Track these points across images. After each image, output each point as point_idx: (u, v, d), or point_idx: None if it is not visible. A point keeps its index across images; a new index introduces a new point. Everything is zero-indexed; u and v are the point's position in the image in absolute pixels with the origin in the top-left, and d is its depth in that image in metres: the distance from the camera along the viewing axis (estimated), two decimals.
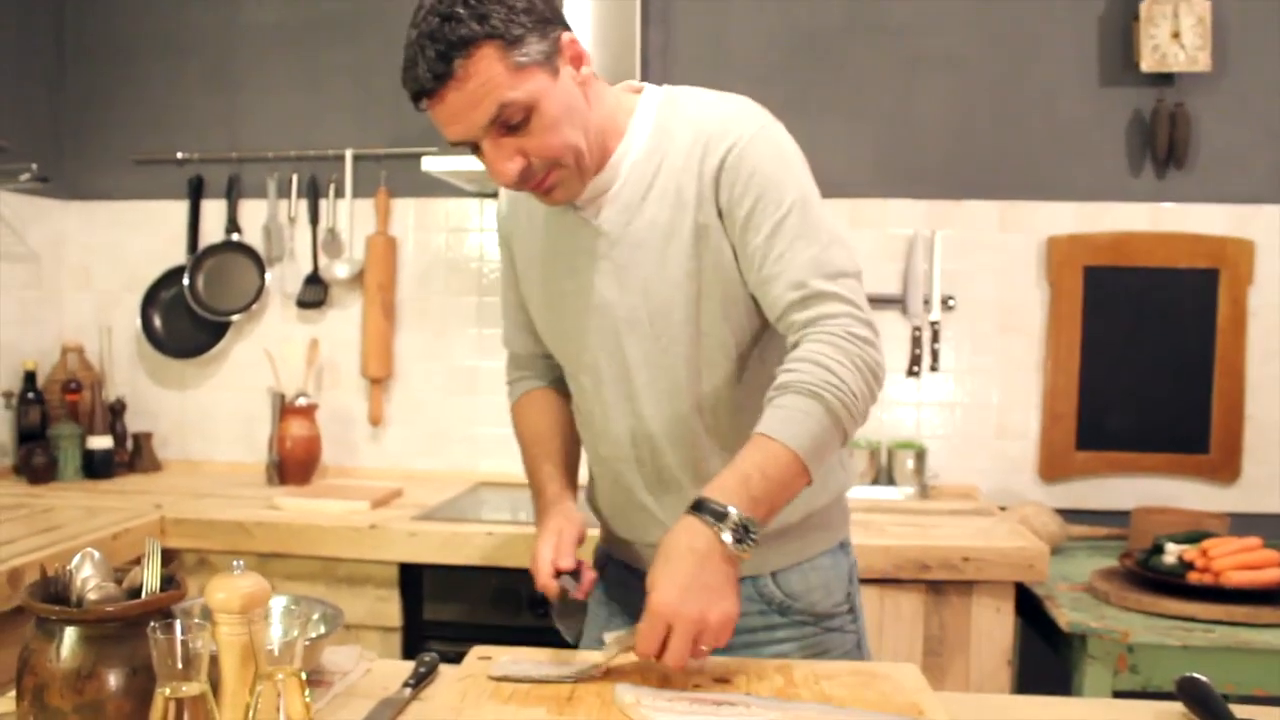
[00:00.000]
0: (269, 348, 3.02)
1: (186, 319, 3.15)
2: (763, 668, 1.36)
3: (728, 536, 1.26)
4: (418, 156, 2.91)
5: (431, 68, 1.27)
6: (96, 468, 2.96)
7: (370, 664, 1.46)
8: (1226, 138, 2.82)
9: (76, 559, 1.13)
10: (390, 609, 2.40)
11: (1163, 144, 2.79)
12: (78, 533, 2.29)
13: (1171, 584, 2.22)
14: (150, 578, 1.15)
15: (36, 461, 2.87)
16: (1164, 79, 2.80)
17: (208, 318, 3.12)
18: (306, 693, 1.08)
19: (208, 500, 2.67)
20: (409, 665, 1.45)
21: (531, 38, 1.30)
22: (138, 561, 1.21)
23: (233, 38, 3.15)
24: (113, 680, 1.08)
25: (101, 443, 2.97)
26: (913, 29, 2.92)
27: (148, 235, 3.19)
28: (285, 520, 2.46)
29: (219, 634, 1.11)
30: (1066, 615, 2.17)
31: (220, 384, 3.19)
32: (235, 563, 1.16)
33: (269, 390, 2.98)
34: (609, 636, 1.34)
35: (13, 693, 1.33)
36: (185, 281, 3.11)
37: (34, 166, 2.81)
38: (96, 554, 1.14)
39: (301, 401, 2.93)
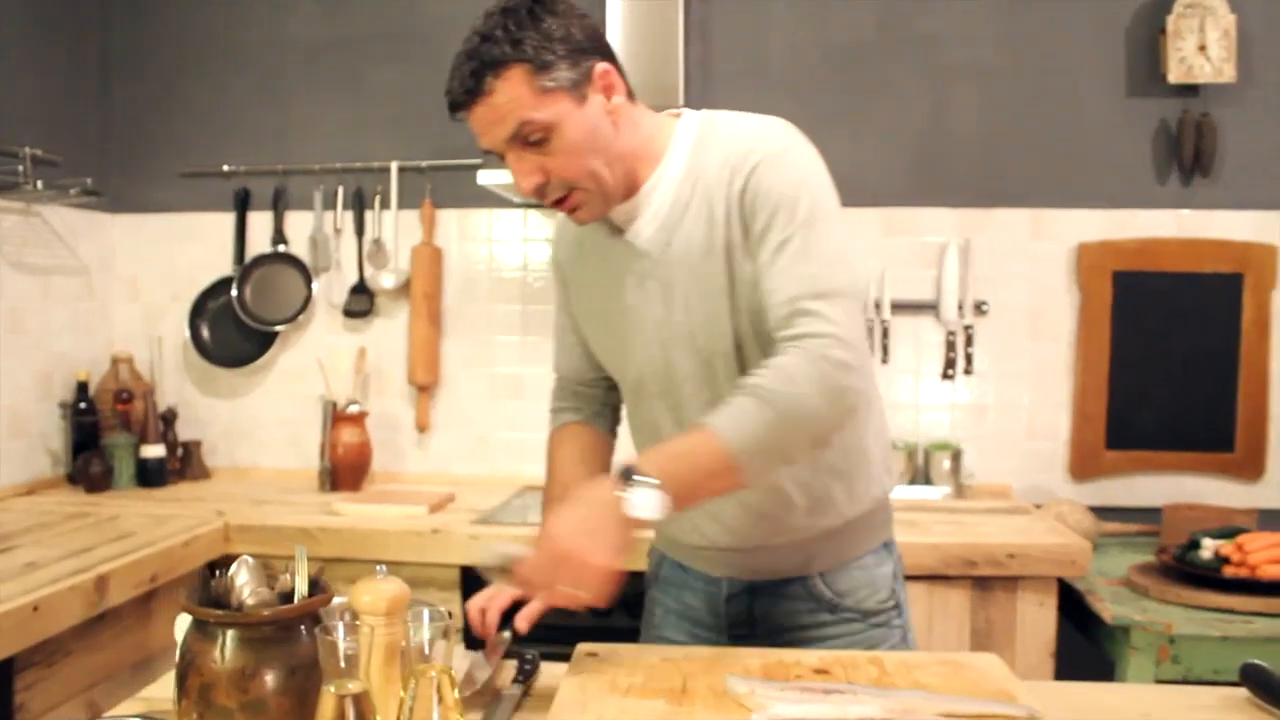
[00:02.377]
0: (319, 356, 3.10)
1: (234, 329, 3.22)
2: (855, 660, 1.44)
3: (630, 497, 1.31)
4: (461, 169, 3.00)
5: (464, 83, 1.39)
6: (150, 476, 3.03)
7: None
8: (1251, 147, 2.91)
9: (235, 565, 1.21)
10: (453, 610, 2.47)
11: (1188, 153, 2.88)
12: (151, 540, 2.36)
13: (1209, 578, 2.31)
14: (300, 583, 1.22)
15: (93, 471, 2.94)
16: (1189, 90, 2.89)
17: (255, 327, 3.19)
18: (456, 689, 1.16)
19: (266, 507, 2.74)
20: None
21: (561, 65, 1.39)
22: (213, 569, 1.28)
23: (279, 53, 3.23)
24: (273, 679, 1.16)
25: (154, 451, 3.04)
26: (943, 41, 3.01)
27: (195, 247, 3.27)
28: (349, 525, 2.53)
29: (366, 634, 1.19)
30: (1110, 609, 2.25)
31: (267, 392, 3.26)
32: (379, 567, 1.24)
33: (320, 398, 3.05)
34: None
35: (148, 690, 1.41)
36: (233, 292, 3.18)
37: (88, 181, 2.88)
38: (250, 560, 1.22)
39: (353, 409, 3.01)
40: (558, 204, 1.48)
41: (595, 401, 1.76)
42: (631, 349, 1.58)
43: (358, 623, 1.15)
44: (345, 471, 2.97)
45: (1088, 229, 2.97)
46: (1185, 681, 2.19)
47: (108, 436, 3.03)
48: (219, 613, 1.17)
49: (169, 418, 3.14)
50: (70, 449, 3.05)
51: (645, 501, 1.31)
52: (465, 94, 1.39)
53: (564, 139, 1.41)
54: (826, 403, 1.36)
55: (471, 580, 2.50)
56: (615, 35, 2.85)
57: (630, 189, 1.51)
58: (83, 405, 3.05)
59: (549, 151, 1.42)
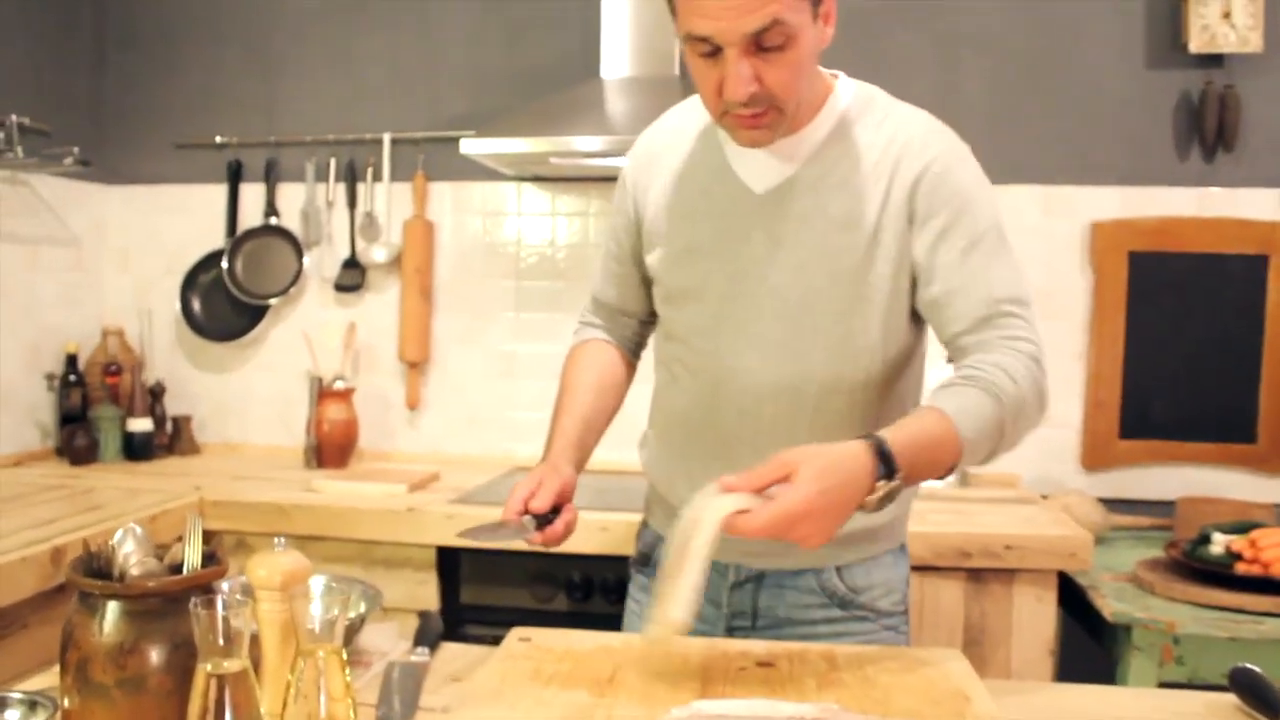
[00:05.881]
0: (307, 331, 3.03)
1: (225, 302, 3.16)
2: (805, 652, 1.35)
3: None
4: (454, 140, 2.91)
5: None
6: (136, 450, 2.98)
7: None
8: (1278, 120, 2.76)
9: (119, 535, 1.13)
10: (428, 592, 2.41)
11: (1211, 127, 2.74)
12: (119, 512, 2.31)
13: (1219, 575, 2.18)
14: (191, 554, 1.15)
15: (78, 443, 2.90)
16: (1213, 60, 2.74)
17: (246, 301, 3.13)
18: (347, 671, 1.07)
19: (246, 482, 2.68)
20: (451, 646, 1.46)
21: None
22: (180, 539, 1.21)
23: (272, 23, 3.16)
24: (154, 655, 1.08)
25: (141, 425, 2.99)
26: (952, 10, 2.88)
27: (187, 219, 3.21)
28: (323, 503, 2.47)
29: (260, 611, 1.11)
30: (1111, 605, 2.13)
31: (258, 367, 3.20)
32: (276, 540, 1.16)
33: (307, 374, 2.99)
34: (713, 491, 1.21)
35: (57, 667, 1.34)
36: (224, 265, 3.13)
37: (76, 150, 2.82)
38: (139, 529, 1.14)
39: (339, 385, 2.94)
40: (748, 118, 1.34)
41: (627, 329, 1.70)
42: (709, 294, 1.48)
43: (239, 597, 1.07)
44: (330, 449, 2.91)
45: (1103, 207, 2.83)
46: (1190, 685, 2.07)
47: (94, 409, 2.99)
48: (99, 583, 1.10)
49: (157, 391, 3.09)
50: (58, 421, 3.01)
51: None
52: None
53: (796, 53, 1.30)
54: (1038, 406, 1.34)
55: (448, 560, 2.43)
56: (612, 6, 2.76)
57: (791, 129, 1.40)
58: (72, 378, 3.01)
59: (774, 62, 1.29)
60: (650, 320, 1.69)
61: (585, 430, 1.58)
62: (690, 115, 1.55)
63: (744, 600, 1.56)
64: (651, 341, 1.69)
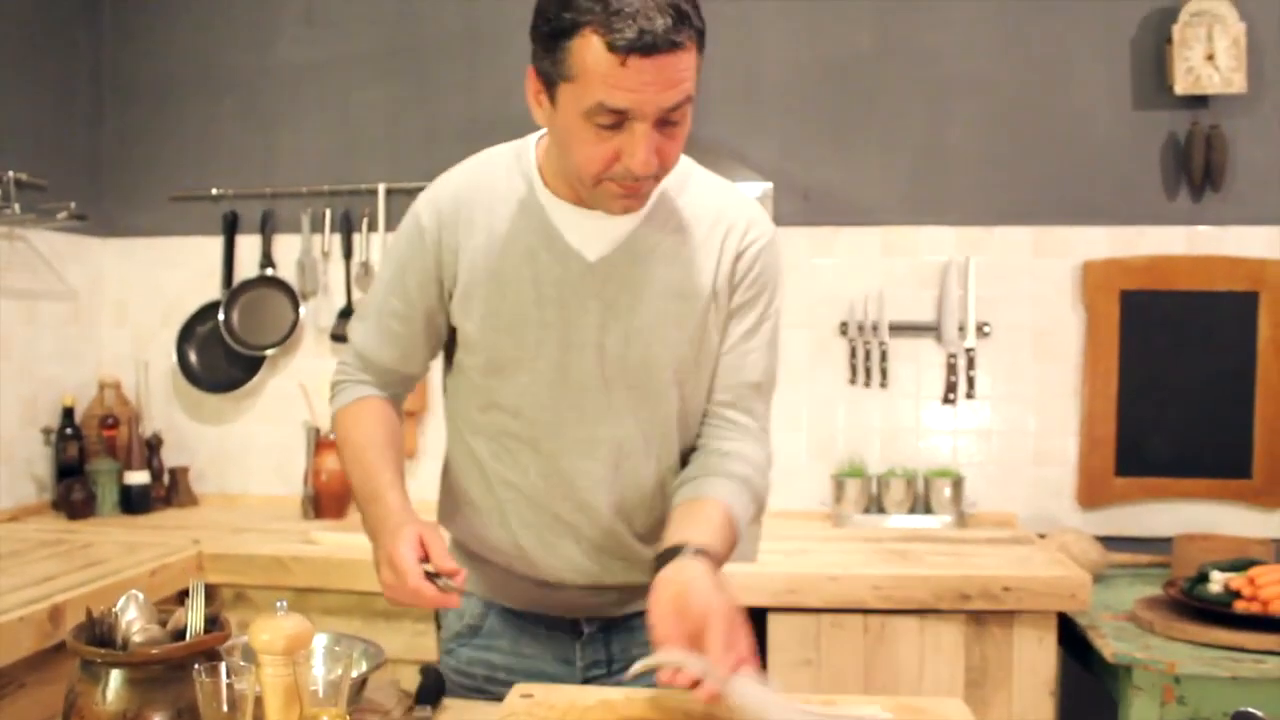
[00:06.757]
0: (304, 381, 3.04)
1: (222, 354, 3.17)
2: (807, 702, 1.35)
3: None
4: None
5: (669, 29, 1.22)
6: (134, 503, 2.98)
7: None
8: (1264, 159, 2.79)
9: (121, 601, 1.14)
10: (427, 643, 2.39)
11: (1198, 166, 2.77)
12: (117, 569, 2.30)
13: (1218, 613, 2.19)
14: (194, 619, 1.15)
15: (75, 497, 2.89)
16: (1198, 101, 2.78)
17: (242, 352, 3.14)
18: None
19: (245, 535, 2.68)
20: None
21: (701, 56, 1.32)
22: (180, 601, 1.21)
23: (268, 76, 3.19)
24: None
25: (139, 478, 2.99)
26: (943, 55, 2.92)
27: (183, 271, 3.22)
28: (323, 555, 2.46)
29: (263, 675, 1.11)
30: (1111, 646, 2.13)
31: (255, 418, 3.20)
32: (279, 603, 1.16)
33: (304, 424, 2.99)
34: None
35: None
36: (220, 316, 3.14)
37: (72, 205, 2.84)
38: (140, 595, 1.15)
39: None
40: (634, 186, 1.33)
41: (400, 387, 1.61)
42: (546, 361, 1.45)
43: (242, 663, 1.07)
44: (328, 499, 2.90)
45: (1093, 247, 2.86)
46: None
47: (91, 463, 2.98)
48: (101, 651, 1.10)
49: (154, 443, 3.09)
50: (55, 475, 3.01)
51: None
52: (669, 43, 1.22)
53: (686, 127, 1.33)
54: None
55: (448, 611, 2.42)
56: None
57: None
58: (68, 431, 3.01)
59: (671, 136, 1.31)
60: (421, 376, 1.62)
61: (403, 483, 1.50)
62: (499, 175, 1.48)
63: (597, 650, 1.58)
64: (443, 407, 1.63)
